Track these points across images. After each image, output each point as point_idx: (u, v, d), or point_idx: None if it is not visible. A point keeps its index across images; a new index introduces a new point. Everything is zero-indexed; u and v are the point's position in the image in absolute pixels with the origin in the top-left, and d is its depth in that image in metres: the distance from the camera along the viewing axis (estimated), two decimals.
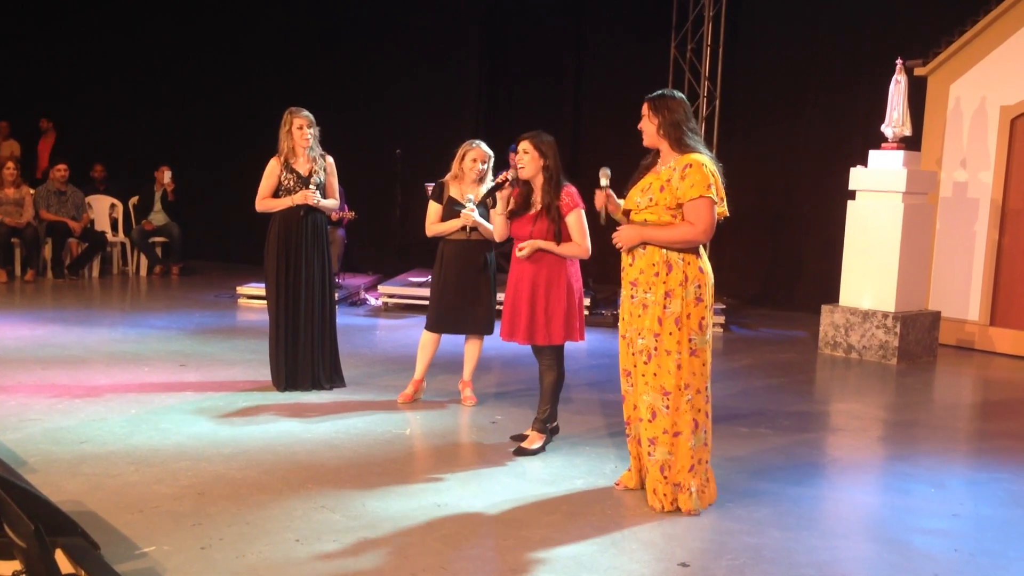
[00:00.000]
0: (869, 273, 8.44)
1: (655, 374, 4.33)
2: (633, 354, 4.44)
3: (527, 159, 5.05)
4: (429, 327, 6.02)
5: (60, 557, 3.20)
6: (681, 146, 4.36)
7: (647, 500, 4.41)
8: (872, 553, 4.02)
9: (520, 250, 5.09)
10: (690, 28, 11.02)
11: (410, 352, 6.16)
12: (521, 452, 5.14)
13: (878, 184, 8.40)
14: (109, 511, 4.06)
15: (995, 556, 4.00)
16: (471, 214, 5.78)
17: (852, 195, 8.64)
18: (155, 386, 6.29)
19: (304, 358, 6.26)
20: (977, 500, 4.71)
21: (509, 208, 5.20)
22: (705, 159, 4.33)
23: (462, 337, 6.13)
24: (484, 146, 5.93)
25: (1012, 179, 8.75)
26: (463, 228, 5.83)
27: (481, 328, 6.00)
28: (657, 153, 4.48)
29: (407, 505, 4.29)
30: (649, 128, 4.42)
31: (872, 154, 8.55)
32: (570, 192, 5.11)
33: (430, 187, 6.16)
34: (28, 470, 4.51)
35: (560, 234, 5.05)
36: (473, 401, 6.10)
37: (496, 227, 5.41)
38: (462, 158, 5.90)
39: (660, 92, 4.48)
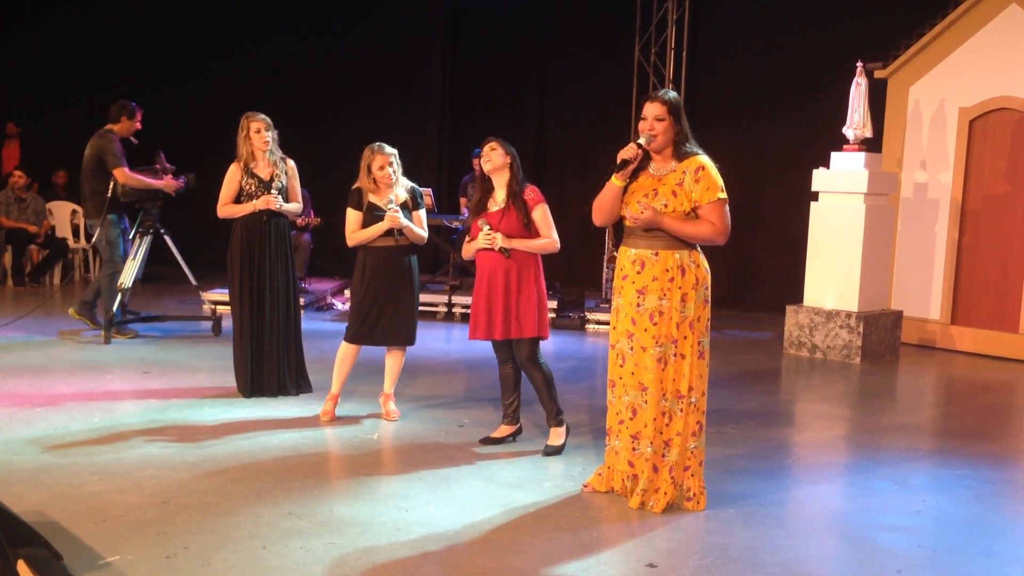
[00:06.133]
0: (832, 274, 8.53)
1: (673, 379, 4.34)
2: (621, 365, 4.41)
3: (495, 155, 5.16)
4: (350, 339, 5.71)
5: (22, 568, 3.16)
6: (684, 150, 4.33)
7: (645, 504, 4.38)
8: (837, 551, 4.07)
9: (488, 235, 5.07)
10: (654, 32, 11.10)
11: (377, 357, 6.11)
12: (549, 451, 5.22)
13: (840, 186, 8.50)
14: (72, 521, 4.00)
15: (957, 552, 4.05)
16: (396, 215, 5.54)
17: (815, 196, 8.73)
18: (118, 394, 6.22)
19: (269, 364, 6.22)
20: (940, 497, 4.78)
21: (475, 202, 5.29)
22: (710, 161, 4.33)
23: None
24: (386, 147, 5.64)
25: (971, 180, 8.89)
26: (390, 232, 5.57)
27: (404, 338, 5.72)
28: (647, 156, 4.35)
29: (375, 510, 4.27)
30: (669, 133, 4.30)
31: (834, 156, 8.65)
32: (533, 189, 5.23)
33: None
34: None
35: (530, 226, 5.15)
36: (397, 415, 5.81)
37: (468, 251, 5.28)
38: (368, 169, 5.62)
39: (671, 93, 4.40)
